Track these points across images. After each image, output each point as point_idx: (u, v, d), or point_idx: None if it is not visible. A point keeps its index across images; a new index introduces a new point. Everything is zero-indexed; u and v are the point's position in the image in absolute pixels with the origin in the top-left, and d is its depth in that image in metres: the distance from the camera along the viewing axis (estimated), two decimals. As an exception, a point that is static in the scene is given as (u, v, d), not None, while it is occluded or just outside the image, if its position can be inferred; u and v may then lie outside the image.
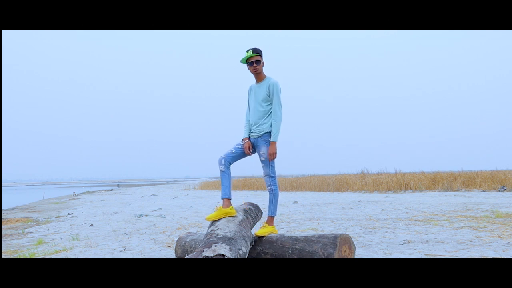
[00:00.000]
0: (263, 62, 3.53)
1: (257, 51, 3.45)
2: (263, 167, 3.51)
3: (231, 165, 3.50)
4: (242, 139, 3.58)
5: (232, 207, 3.33)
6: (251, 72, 3.54)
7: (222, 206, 3.33)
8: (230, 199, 3.43)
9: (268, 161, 3.47)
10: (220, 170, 3.44)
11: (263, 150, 3.46)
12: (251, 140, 3.55)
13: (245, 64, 3.54)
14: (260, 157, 3.51)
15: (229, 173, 3.46)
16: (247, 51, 3.46)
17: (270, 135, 3.47)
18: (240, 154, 3.53)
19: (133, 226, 6.75)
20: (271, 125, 3.48)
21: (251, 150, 3.53)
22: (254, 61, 3.45)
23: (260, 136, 3.48)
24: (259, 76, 3.55)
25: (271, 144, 3.44)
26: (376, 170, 19.79)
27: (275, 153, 3.45)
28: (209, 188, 25.51)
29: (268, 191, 3.53)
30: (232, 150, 3.51)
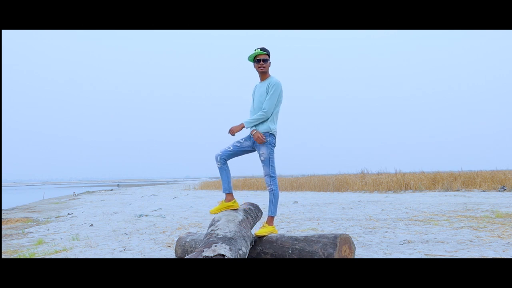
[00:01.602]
0: (269, 63, 3.57)
1: (265, 50, 3.51)
2: (263, 166, 3.52)
3: (227, 162, 3.53)
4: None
5: (235, 201, 3.44)
6: (256, 70, 3.57)
7: (224, 201, 3.46)
8: (232, 193, 3.52)
9: (268, 161, 3.47)
10: (217, 167, 3.52)
11: (263, 150, 3.46)
12: (250, 140, 3.55)
13: (252, 63, 3.58)
14: (260, 157, 3.51)
15: (226, 169, 3.51)
16: (255, 50, 3.51)
17: (269, 135, 3.47)
18: (237, 152, 3.56)
19: (133, 226, 6.75)
20: (269, 125, 3.49)
21: (234, 133, 3.51)
22: (261, 59, 3.49)
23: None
24: (264, 75, 3.58)
25: (240, 124, 3.45)
26: (376, 170, 19.81)
27: (233, 130, 3.44)
28: (209, 188, 25.51)
29: (268, 191, 3.54)
30: (230, 148, 3.53)
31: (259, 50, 3.49)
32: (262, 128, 3.47)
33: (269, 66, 3.58)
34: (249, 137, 3.58)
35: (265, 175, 3.52)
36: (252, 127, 3.49)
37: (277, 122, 3.56)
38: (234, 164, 3.58)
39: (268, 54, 3.54)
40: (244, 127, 3.47)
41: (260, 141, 3.40)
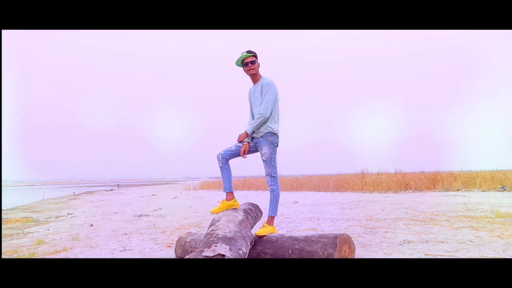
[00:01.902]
0: (258, 63, 3.57)
1: (251, 52, 3.51)
2: (264, 166, 3.52)
3: (228, 161, 3.54)
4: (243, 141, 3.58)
5: (235, 200, 3.44)
6: (246, 73, 3.59)
7: (225, 200, 3.48)
8: (232, 192, 3.53)
9: (270, 161, 3.47)
10: (219, 166, 3.52)
11: (265, 150, 3.46)
12: (253, 140, 3.55)
13: (241, 68, 3.59)
14: (261, 157, 3.52)
15: (227, 168, 3.51)
16: (242, 54, 3.51)
17: (271, 135, 3.47)
18: (239, 153, 3.55)
19: (133, 226, 6.75)
20: (270, 124, 3.49)
21: (245, 155, 3.52)
22: (249, 61, 3.50)
23: (261, 136, 3.49)
24: (255, 77, 3.58)
25: (244, 132, 3.50)
26: (376, 170, 19.77)
27: (241, 138, 3.50)
28: (209, 188, 25.50)
29: (269, 191, 3.54)
30: (232, 148, 3.53)
31: (245, 53, 3.49)
32: (263, 129, 3.47)
33: (259, 67, 3.58)
34: (250, 138, 3.58)
35: (266, 175, 3.52)
36: (254, 131, 3.50)
37: (278, 120, 3.55)
38: (235, 164, 3.59)
39: (255, 56, 3.54)
40: (246, 134, 3.50)
41: (241, 153, 3.47)
